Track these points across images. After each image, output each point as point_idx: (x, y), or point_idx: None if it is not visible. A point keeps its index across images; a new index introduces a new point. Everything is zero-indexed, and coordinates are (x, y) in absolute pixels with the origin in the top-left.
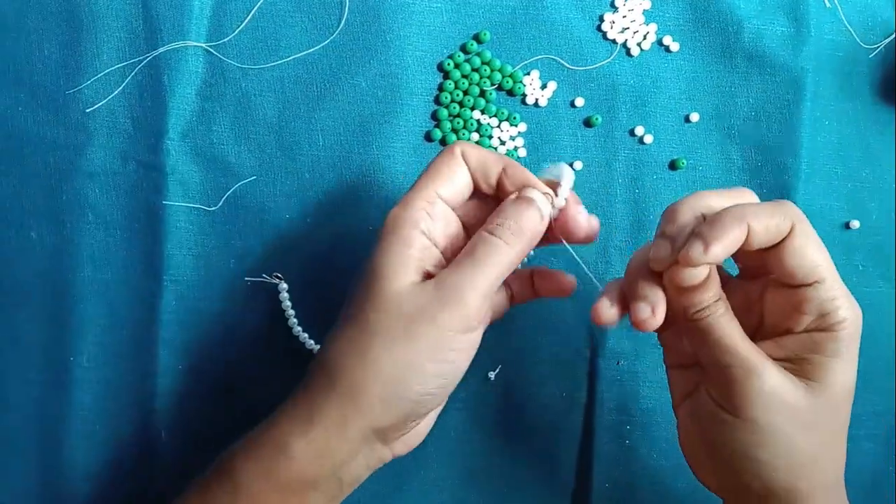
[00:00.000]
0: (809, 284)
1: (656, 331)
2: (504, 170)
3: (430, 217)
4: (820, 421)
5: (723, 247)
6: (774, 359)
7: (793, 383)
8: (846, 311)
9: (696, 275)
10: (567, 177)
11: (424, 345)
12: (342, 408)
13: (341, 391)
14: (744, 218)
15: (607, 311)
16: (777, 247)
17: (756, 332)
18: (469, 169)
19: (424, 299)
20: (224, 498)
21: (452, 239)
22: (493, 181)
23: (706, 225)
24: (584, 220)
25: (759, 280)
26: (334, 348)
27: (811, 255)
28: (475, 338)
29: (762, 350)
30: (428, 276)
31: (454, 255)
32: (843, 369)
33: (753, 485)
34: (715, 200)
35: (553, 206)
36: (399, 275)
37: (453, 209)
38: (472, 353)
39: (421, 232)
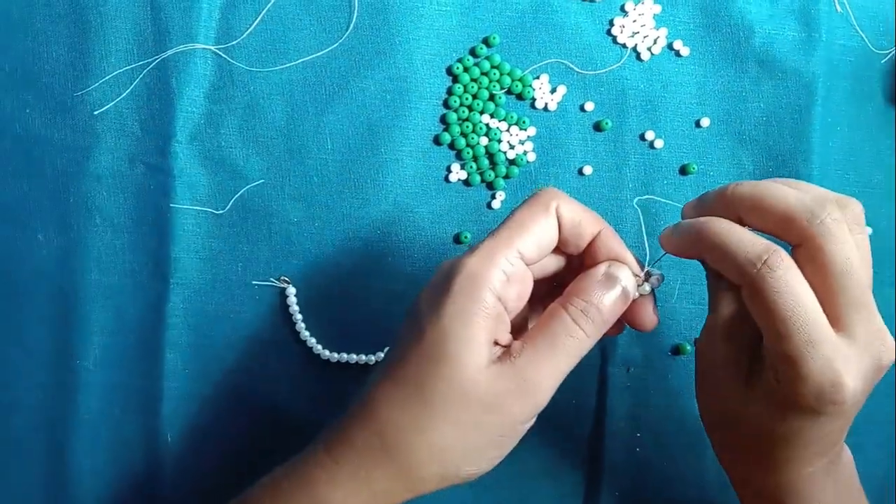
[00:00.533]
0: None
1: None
2: (599, 235)
3: (508, 279)
4: (855, 406)
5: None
6: None
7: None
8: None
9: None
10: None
11: (492, 433)
12: (394, 480)
13: (398, 466)
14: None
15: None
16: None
17: None
18: (560, 228)
19: (499, 389)
20: None
21: (523, 300)
22: (584, 246)
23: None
24: (652, 316)
25: None
26: (391, 416)
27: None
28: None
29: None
30: (495, 343)
31: (518, 314)
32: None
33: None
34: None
35: (637, 293)
36: (473, 356)
37: (528, 265)
38: None
39: (497, 298)
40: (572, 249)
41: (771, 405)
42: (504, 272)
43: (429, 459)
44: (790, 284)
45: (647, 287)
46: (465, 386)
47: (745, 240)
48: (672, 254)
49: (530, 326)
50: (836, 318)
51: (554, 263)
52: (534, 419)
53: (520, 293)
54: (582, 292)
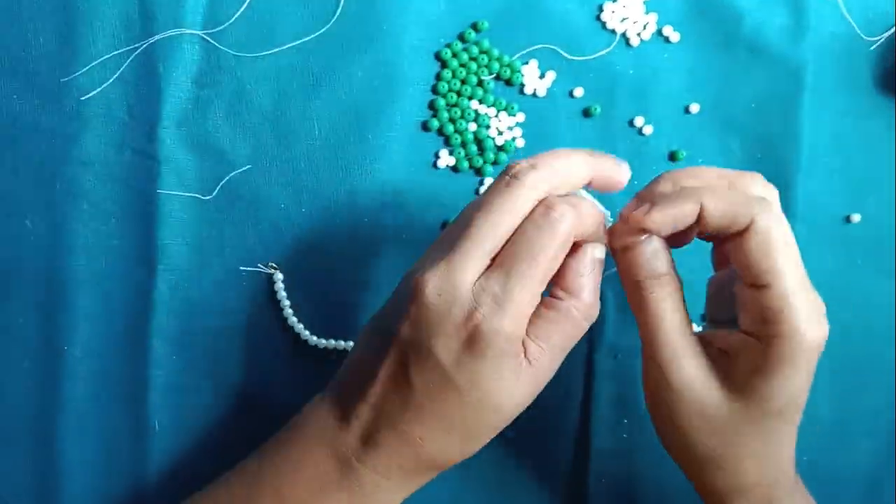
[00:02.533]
0: (757, 287)
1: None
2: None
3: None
4: (730, 428)
5: (664, 216)
6: (719, 346)
7: (705, 382)
8: (791, 327)
9: (632, 235)
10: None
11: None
12: (426, 479)
13: (431, 470)
14: (699, 197)
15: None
16: (735, 237)
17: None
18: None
19: (524, 399)
20: None
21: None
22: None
23: (663, 193)
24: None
25: None
26: (433, 442)
27: (763, 258)
28: None
29: (709, 337)
30: None
31: None
32: (768, 385)
33: (677, 458)
34: (709, 176)
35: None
36: (510, 395)
37: None
38: None
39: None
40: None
41: (745, 392)
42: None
43: (457, 461)
44: (787, 227)
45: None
46: (503, 419)
47: (737, 187)
48: (656, 229)
49: None
50: None
51: None
52: None
53: None
54: (582, 288)
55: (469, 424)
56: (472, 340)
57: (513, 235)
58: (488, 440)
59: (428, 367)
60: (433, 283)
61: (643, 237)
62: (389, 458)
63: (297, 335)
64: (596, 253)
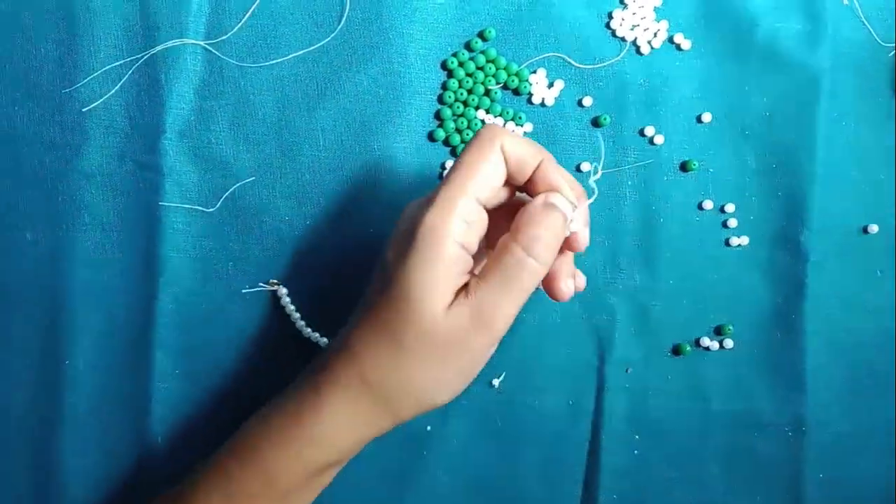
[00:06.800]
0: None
1: None
2: (540, 165)
3: (468, 225)
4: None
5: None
6: None
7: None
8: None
9: None
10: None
11: (457, 365)
12: (376, 412)
13: (379, 400)
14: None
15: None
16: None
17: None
18: (507, 164)
19: (460, 325)
20: (254, 484)
21: (481, 236)
22: (527, 177)
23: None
24: (585, 239)
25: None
26: (368, 357)
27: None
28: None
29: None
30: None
31: (477, 249)
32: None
33: None
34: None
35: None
36: (436, 299)
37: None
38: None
39: (460, 246)
40: (517, 181)
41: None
42: (465, 221)
43: (405, 393)
44: None
45: (579, 221)
46: (429, 328)
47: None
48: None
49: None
50: None
51: (501, 195)
52: (493, 348)
53: (478, 232)
54: (526, 225)
55: (397, 328)
56: (409, 233)
57: None
58: (426, 367)
59: (379, 271)
60: (410, 204)
61: None
62: (332, 373)
63: (300, 346)
64: (550, 199)
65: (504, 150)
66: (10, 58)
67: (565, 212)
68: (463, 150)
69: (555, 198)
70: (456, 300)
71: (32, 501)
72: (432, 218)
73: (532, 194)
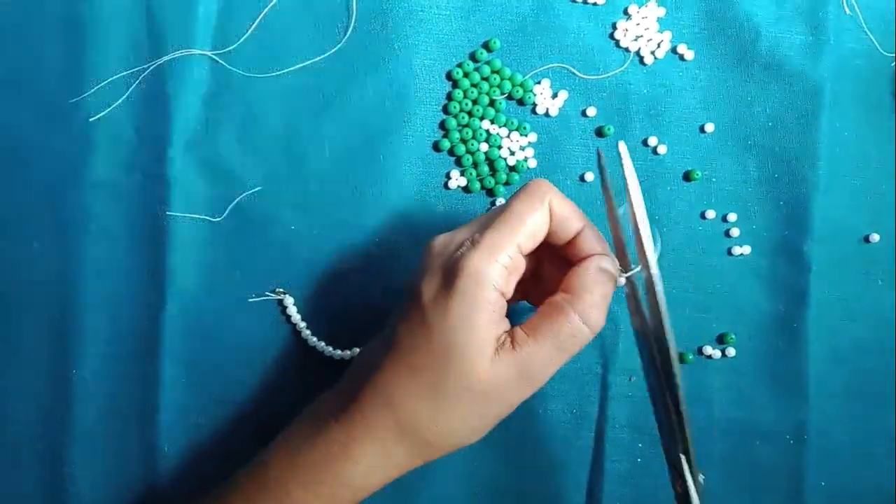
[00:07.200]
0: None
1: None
2: (583, 230)
3: (508, 273)
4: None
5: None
6: None
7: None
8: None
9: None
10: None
11: (496, 412)
12: (408, 454)
13: (412, 444)
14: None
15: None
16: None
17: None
18: (551, 222)
19: (505, 377)
20: None
21: (517, 286)
22: (567, 239)
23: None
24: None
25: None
26: (407, 404)
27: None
28: None
29: None
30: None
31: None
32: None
33: None
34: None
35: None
36: (483, 349)
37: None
38: None
39: (500, 293)
40: (556, 240)
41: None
42: (505, 267)
43: (440, 440)
44: None
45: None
46: (473, 381)
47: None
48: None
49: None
50: None
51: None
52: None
53: (516, 279)
54: (582, 290)
55: (438, 378)
56: (448, 275)
57: None
58: (465, 417)
59: (412, 309)
60: (439, 239)
61: None
62: (364, 417)
63: (307, 356)
64: (603, 264)
65: (552, 206)
66: (17, 67)
67: (617, 279)
68: (511, 198)
69: (607, 262)
70: (501, 350)
71: None
72: (477, 263)
73: (569, 256)
